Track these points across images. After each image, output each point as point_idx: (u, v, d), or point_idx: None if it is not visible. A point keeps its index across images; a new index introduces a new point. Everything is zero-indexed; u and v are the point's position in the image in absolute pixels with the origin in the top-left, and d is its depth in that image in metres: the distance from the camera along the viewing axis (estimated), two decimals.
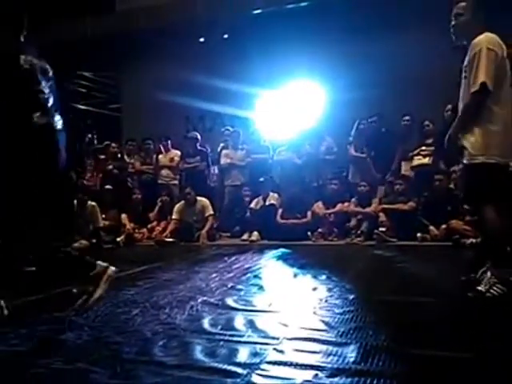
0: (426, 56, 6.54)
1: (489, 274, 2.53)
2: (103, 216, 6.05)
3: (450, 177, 5.50)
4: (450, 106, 5.53)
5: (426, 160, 6.02)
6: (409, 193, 5.70)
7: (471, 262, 3.18)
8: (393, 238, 5.32)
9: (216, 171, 7.33)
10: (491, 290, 2.46)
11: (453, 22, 2.69)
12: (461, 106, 2.73)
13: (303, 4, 7.45)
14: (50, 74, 2.27)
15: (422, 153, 6.06)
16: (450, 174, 5.52)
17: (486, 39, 2.54)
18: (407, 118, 6.33)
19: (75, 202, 5.65)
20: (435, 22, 6.30)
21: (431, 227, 5.27)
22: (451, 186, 5.52)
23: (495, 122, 2.53)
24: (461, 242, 4.78)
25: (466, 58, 2.63)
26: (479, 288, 2.51)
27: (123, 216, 6.42)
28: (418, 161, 6.10)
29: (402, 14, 6.73)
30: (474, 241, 4.54)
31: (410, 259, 4.20)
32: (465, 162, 2.61)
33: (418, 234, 5.25)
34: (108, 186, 6.63)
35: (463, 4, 2.64)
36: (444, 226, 5.16)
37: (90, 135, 7.44)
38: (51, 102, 2.21)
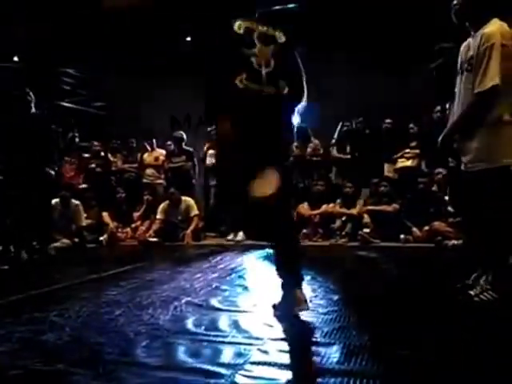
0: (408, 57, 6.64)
1: (483, 279, 2.45)
2: (85, 215, 5.98)
3: (433, 179, 5.58)
4: (439, 108, 5.60)
5: (410, 162, 6.11)
6: (392, 195, 5.76)
7: (463, 267, 3.15)
8: (376, 239, 5.37)
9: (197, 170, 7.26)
10: (481, 296, 2.39)
11: (454, 1, 2.39)
12: (457, 101, 2.46)
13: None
14: None
15: (406, 155, 6.15)
16: (433, 176, 5.59)
17: (500, 31, 2.25)
18: (388, 120, 6.41)
19: (59, 200, 5.58)
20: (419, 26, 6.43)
21: (414, 229, 5.34)
22: (434, 188, 5.60)
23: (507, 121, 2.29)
24: (443, 243, 4.86)
25: (472, 48, 2.33)
26: (470, 292, 2.44)
27: (105, 214, 6.35)
28: (401, 163, 6.18)
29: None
30: (455, 242, 4.61)
31: (393, 260, 4.24)
32: (478, 167, 2.34)
33: (401, 236, 5.30)
34: (84, 185, 6.58)
35: None
36: (427, 228, 5.22)
37: (71, 133, 7.33)
38: None
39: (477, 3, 2.32)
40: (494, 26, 2.27)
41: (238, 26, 2.18)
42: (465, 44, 2.49)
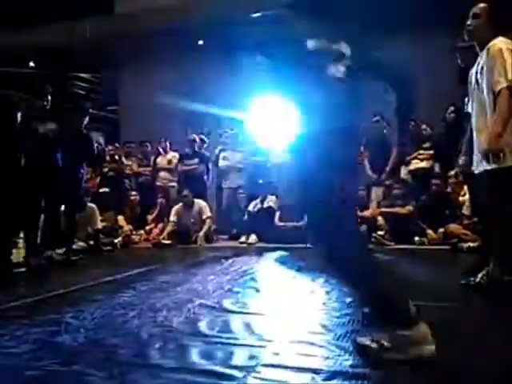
0: (424, 58, 6.56)
1: (485, 270, 2.60)
2: (100, 218, 6.04)
3: (447, 181, 5.52)
4: (452, 108, 5.51)
5: (424, 164, 6.05)
6: (406, 197, 5.71)
7: (471, 266, 3.18)
8: (390, 241, 5.33)
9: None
10: (478, 279, 2.60)
11: (468, 22, 2.65)
12: (470, 109, 2.67)
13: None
14: None
15: (420, 157, 6.08)
16: (447, 178, 5.53)
17: (503, 41, 2.53)
18: (412, 123, 6.32)
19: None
20: (432, 24, 6.38)
21: (429, 231, 5.29)
22: (448, 189, 5.53)
23: None
24: (458, 245, 4.80)
25: (480, 63, 2.59)
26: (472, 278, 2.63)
27: (120, 218, 6.42)
28: (415, 165, 6.12)
29: (397, 16, 6.74)
30: (471, 245, 4.55)
31: (407, 263, 4.20)
32: (492, 166, 2.49)
33: (416, 238, 5.25)
34: (105, 189, 6.64)
35: (482, 5, 2.62)
36: (441, 230, 5.17)
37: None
38: None
39: (486, 27, 2.60)
40: (496, 39, 2.55)
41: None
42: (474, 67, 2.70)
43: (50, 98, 4.63)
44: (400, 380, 1.57)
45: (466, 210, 4.93)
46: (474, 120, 2.70)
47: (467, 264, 3.39)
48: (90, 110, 5.28)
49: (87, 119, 5.04)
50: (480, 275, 2.76)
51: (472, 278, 2.80)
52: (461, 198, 5.22)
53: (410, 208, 5.56)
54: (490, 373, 1.60)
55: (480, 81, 2.59)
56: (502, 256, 2.62)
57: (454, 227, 5.04)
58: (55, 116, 4.73)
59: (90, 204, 5.83)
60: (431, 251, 4.94)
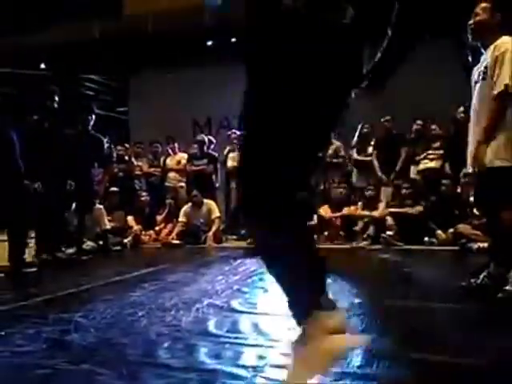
0: (432, 58, 6.53)
1: (486, 272, 2.58)
2: (109, 218, 6.08)
3: (457, 181, 5.47)
4: (462, 108, 5.50)
5: (433, 164, 6.01)
6: (416, 197, 5.68)
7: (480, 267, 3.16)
8: (400, 241, 5.30)
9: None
10: (480, 281, 2.55)
11: (470, 21, 2.67)
12: (475, 107, 2.66)
13: None
14: None
15: (429, 157, 6.05)
16: (457, 178, 5.49)
17: (510, 40, 2.52)
18: (419, 122, 6.29)
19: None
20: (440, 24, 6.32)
21: (438, 231, 5.25)
22: (458, 190, 5.49)
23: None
24: (468, 246, 4.76)
25: (485, 61, 2.60)
26: (506, 287, 2.51)
27: (129, 218, 6.46)
28: (424, 165, 6.09)
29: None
30: (481, 245, 4.51)
31: (416, 263, 4.18)
32: (496, 164, 2.52)
33: (425, 238, 5.23)
34: (114, 188, 6.68)
35: (484, 5, 2.63)
36: (451, 231, 5.13)
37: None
38: None
39: (487, 26, 2.60)
40: (505, 39, 2.54)
41: None
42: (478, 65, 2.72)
43: (57, 98, 4.68)
44: (406, 380, 1.56)
45: (476, 210, 4.89)
46: (474, 117, 2.68)
47: (476, 265, 3.35)
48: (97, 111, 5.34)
49: (93, 119, 5.07)
50: (482, 276, 2.72)
51: (473, 280, 2.76)
52: (471, 199, 5.17)
53: (419, 208, 5.53)
54: (490, 373, 1.59)
55: (481, 81, 2.59)
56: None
57: (463, 227, 5.01)
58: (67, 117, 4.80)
59: (97, 205, 5.86)
60: (440, 252, 4.91)
